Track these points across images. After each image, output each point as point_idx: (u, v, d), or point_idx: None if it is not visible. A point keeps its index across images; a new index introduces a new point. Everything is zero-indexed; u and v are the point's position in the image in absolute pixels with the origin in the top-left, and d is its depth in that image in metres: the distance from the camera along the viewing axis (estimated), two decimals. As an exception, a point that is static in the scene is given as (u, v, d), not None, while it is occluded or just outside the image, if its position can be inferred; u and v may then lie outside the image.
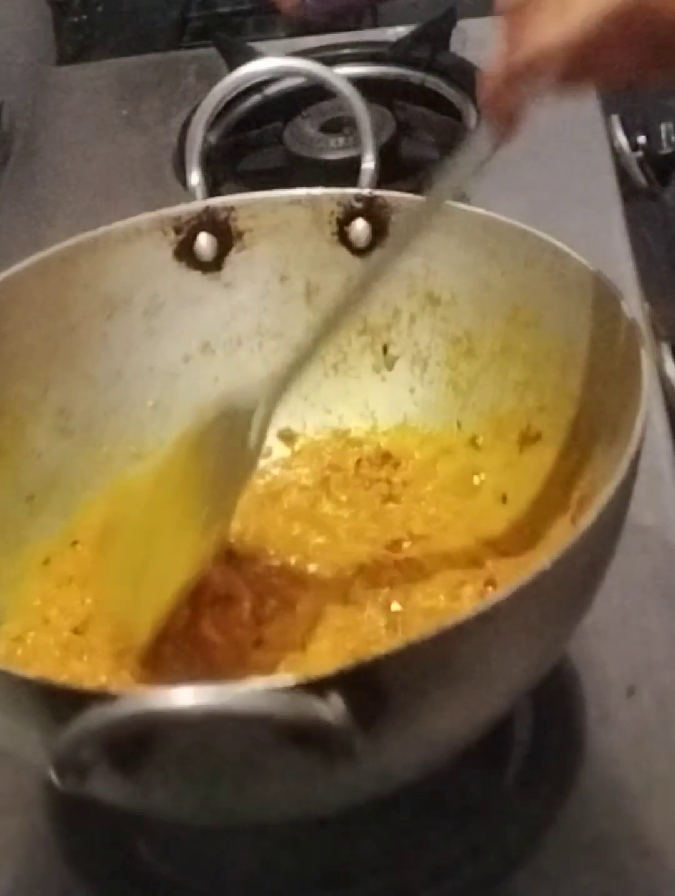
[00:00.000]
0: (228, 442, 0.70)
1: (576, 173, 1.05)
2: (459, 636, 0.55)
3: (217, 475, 0.70)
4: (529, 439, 0.77)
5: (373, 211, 0.79)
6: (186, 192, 0.85)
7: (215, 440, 0.71)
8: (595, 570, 0.64)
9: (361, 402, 0.82)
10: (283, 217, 0.80)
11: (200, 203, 0.81)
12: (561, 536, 0.58)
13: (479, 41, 1.25)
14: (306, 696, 0.52)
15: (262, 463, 0.82)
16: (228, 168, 1.18)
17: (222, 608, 0.71)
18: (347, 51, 1.26)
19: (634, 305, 0.78)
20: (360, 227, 0.80)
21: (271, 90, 1.22)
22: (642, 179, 1.15)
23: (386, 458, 0.80)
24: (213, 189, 0.85)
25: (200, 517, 0.69)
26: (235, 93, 0.86)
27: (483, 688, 0.60)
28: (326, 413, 0.83)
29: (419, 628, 0.59)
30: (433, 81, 1.23)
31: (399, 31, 1.28)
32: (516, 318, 0.76)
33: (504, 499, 0.76)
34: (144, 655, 0.69)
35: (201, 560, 0.69)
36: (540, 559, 0.57)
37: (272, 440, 0.82)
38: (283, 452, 0.82)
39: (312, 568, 0.75)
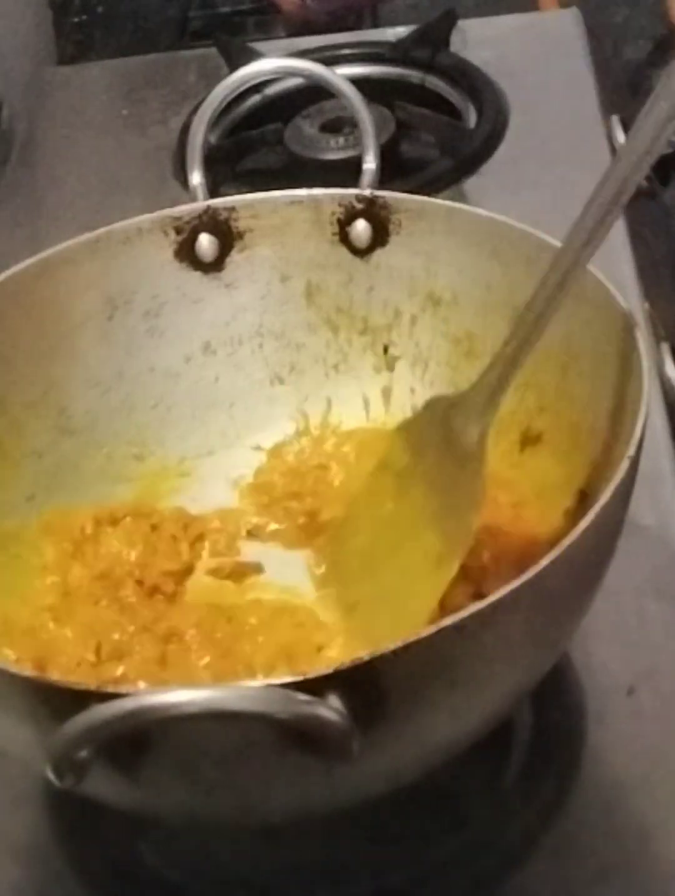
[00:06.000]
0: (446, 436, 0.68)
1: (576, 173, 1.05)
2: (458, 636, 0.55)
3: (441, 473, 0.68)
4: (529, 440, 0.77)
5: (374, 211, 0.79)
6: (187, 193, 0.85)
7: (430, 434, 0.69)
8: (595, 570, 0.64)
9: (361, 403, 0.82)
10: (284, 217, 0.80)
11: (200, 203, 0.81)
12: (561, 537, 0.58)
13: (479, 41, 1.25)
14: (305, 695, 0.52)
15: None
16: (228, 168, 1.18)
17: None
18: (347, 51, 1.26)
19: (634, 305, 0.78)
20: (361, 227, 0.80)
21: (271, 90, 1.22)
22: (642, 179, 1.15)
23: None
24: (213, 189, 0.85)
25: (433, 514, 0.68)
26: (235, 93, 0.86)
27: (483, 688, 0.60)
28: (326, 413, 0.83)
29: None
30: (433, 81, 1.23)
31: (399, 31, 1.28)
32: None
33: (504, 499, 0.76)
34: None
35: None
36: (540, 559, 0.57)
37: (273, 440, 0.82)
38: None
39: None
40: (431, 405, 0.73)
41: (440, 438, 0.69)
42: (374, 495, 0.74)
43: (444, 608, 0.68)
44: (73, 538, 0.77)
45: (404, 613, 0.67)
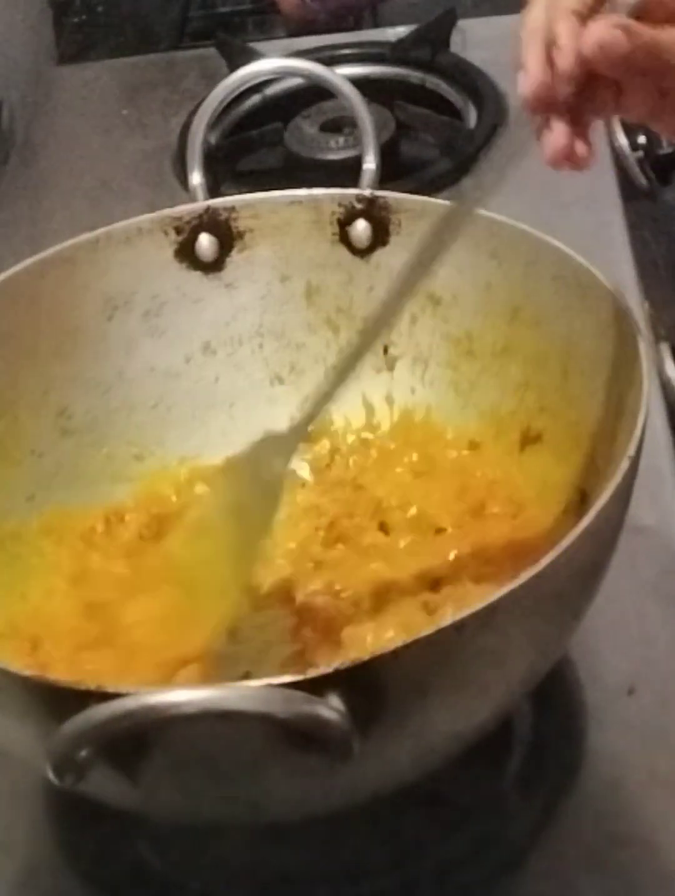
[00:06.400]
0: (258, 471, 0.70)
1: (576, 173, 1.05)
2: (458, 636, 0.55)
3: (250, 504, 0.70)
4: (529, 440, 0.77)
5: (374, 211, 0.79)
6: (187, 193, 0.85)
7: (246, 472, 0.71)
8: (595, 570, 0.64)
9: (361, 403, 0.82)
10: (284, 217, 0.80)
11: (200, 203, 0.81)
12: (561, 537, 0.58)
13: (479, 41, 1.25)
14: (305, 695, 0.52)
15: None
16: (228, 168, 1.18)
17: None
18: (347, 51, 1.26)
19: (634, 305, 0.78)
20: (361, 227, 0.80)
21: (271, 90, 1.22)
22: (642, 179, 1.15)
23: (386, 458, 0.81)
24: (213, 189, 0.85)
25: (241, 543, 0.69)
26: (235, 93, 0.87)
27: (483, 688, 0.60)
28: (326, 413, 0.82)
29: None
30: (433, 81, 1.23)
31: (399, 31, 1.28)
32: (517, 319, 0.76)
33: (505, 499, 0.76)
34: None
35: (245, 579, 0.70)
36: (540, 559, 0.57)
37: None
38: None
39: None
40: (258, 444, 0.74)
41: (252, 473, 0.71)
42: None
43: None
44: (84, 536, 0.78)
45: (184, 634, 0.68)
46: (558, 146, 0.63)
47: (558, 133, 0.63)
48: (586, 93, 0.62)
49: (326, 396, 0.69)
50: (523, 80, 0.62)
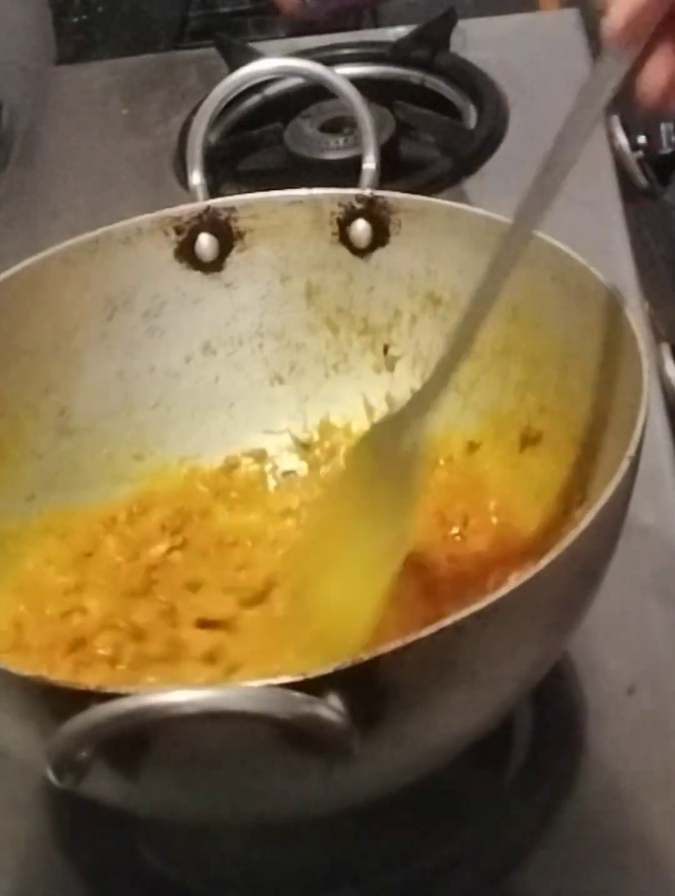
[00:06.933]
0: (387, 451, 0.70)
1: (576, 173, 1.05)
2: (458, 636, 0.55)
3: (384, 485, 0.70)
4: (529, 440, 0.77)
5: (374, 211, 0.79)
6: (187, 193, 0.85)
7: (373, 452, 0.71)
8: (595, 569, 0.64)
9: (361, 403, 0.82)
10: (284, 217, 0.80)
11: (200, 203, 0.81)
12: (561, 537, 0.58)
13: (479, 41, 1.25)
14: (305, 695, 0.52)
15: (265, 466, 0.82)
16: (228, 168, 1.18)
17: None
18: (347, 51, 1.26)
19: (634, 305, 0.78)
20: (361, 227, 0.80)
21: (271, 90, 1.22)
22: (642, 179, 1.15)
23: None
24: (213, 189, 0.85)
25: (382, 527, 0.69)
26: (235, 93, 0.86)
27: (483, 688, 0.60)
28: (326, 413, 0.83)
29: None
30: (433, 81, 1.23)
31: (399, 31, 1.28)
32: (517, 319, 0.76)
33: (505, 499, 0.76)
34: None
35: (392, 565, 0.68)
36: (540, 559, 0.57)
37: (273, 440, 0.82)
38: (284, 453, 0.82)
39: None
40: (373, 429, 0.74)
41: (381, 456, 0.70)
42: (324, 516, 0.74)
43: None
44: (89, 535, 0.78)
45: (348, 619, 0.68)
46: (658, 81, 0.60)
47: (655, 66, 0.60)
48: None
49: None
50: (610, 13, 0.60)
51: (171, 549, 0.78)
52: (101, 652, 0.72)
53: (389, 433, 0.70)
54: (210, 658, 0.71)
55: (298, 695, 0.52)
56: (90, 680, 0.68)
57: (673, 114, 0.62)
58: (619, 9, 0.60)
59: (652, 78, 0.61)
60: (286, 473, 0.82)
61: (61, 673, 0.70)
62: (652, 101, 0.62)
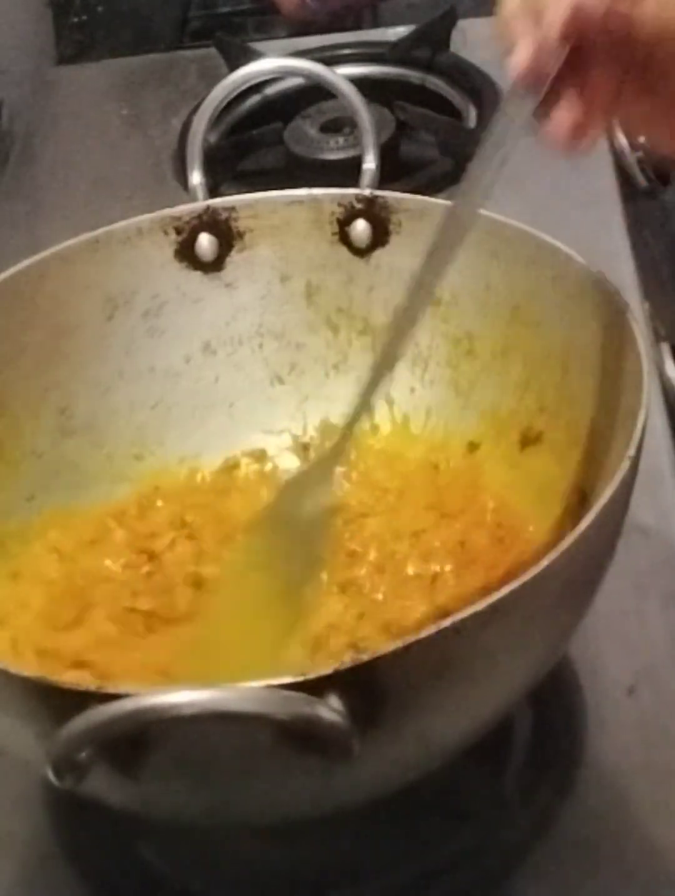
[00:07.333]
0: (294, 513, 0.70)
1: (576, 173, 1.05)
2: (458, 636, 0.55)
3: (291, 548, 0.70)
4: (529, 440, 0.77)
5: (374, 211, 0.79)
6: (187, 193, 0.85)
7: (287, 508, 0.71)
8: (595, 570, 0.64)
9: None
10: (283, 217, 0.80)
11: (200, 203, 0.81)
12: (561, 537, 0.58)
13: (479, 41, 1.25)
14: (305, 695, 0.52)
15: (265, 466, 0.82)
16: (228, 168, 1.18)
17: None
18: (347, 51, 1.26)
19: (634, 305, 0.78)
20: (360, 227, 0.80)
21: (271, 90, 1.22)
22: (642, 179, 1.15)
23: (386, 458, 0.80)
24: (213, 189, 0.85)
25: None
26: (235, 93, 0.86)
27: (483, 688, 0.60)
28: (326, 413, 0.83)
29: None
30: (433, 81, 1.23)
31: (399, 31, 1.28)
32: (517, 319, 0.76)
33: (505, 499, 0.76)
34: None
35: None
36: (540, 559, 0.57)
37: (273, 440, 0.82)
38: (284, 453, 0.82)
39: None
40: (285, 487, 0.74)
41: (290, 515, 0.71)
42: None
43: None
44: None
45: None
46: (562, 127, 0.63)
47: (559, 112, 0.63)
48: (580, 73, 0.63)
49: (347, 427, 0.70)
50: (515, 56, 0.63)
51: (173, 543, 0.78)
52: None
53: (296, 494, 0.71)
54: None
55: (298, 695, 0.52)
56: (92, 671, 0.69)
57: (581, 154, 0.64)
58: (520, 53, 0.63)
59: (556, 124, 0.63)
60: (286, 473, 0.82)
61: (60, 673, 0.70)
62: (560, 144, 0.64)
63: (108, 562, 0.77)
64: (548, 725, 0.74)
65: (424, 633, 0.54)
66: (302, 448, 0.83)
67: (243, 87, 0.87)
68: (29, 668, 0.68)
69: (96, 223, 0.79)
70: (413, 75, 1.24)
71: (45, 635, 0.73)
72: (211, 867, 0.72)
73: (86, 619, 0.74)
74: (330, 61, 1.11)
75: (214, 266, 0.81)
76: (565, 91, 0.63)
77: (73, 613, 0.74)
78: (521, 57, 0.63)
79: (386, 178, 0.84)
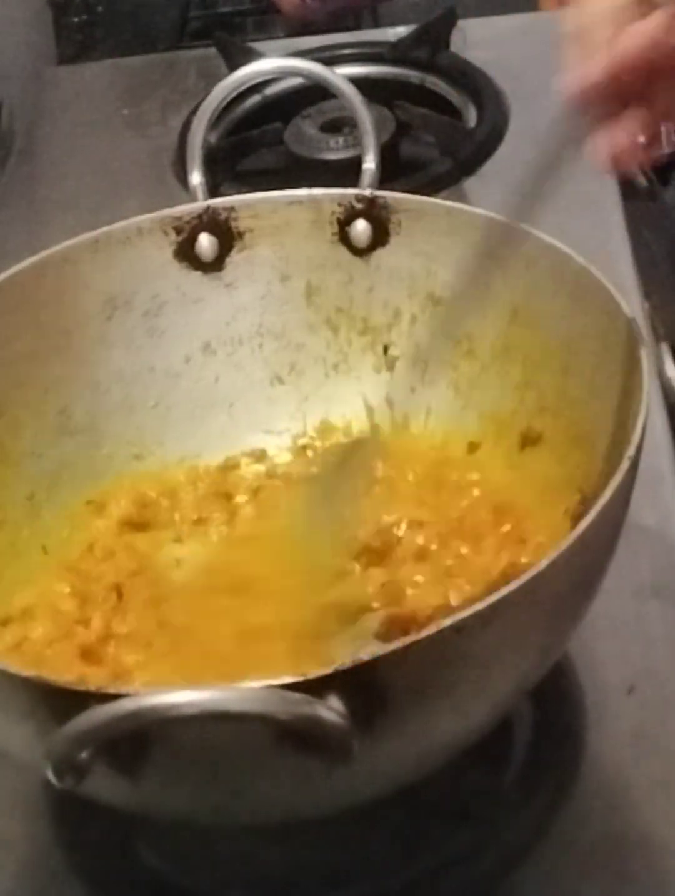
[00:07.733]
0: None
1: (576, 173, 1.05)
2: (458, 636, 0.55)
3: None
4: (529, 440, 0.77)
5: (374, 211, 0.79)
6: (187, 193, 0.85)
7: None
8: (595, 569, 0.64)
9: (361, 403, 0.82)
10: (284, 217, 0.80)
11: (200, 203, 0.81)
12: (561, 536, 0.58)
13: (479, 41, 1.25)
14: (305, 696, 0.52)
15: (263, 466, 0.82)
16: (228, 168, 1.18)
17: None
18: (347, 51, 1.26)
19: (634, 305, 0.78)
20: (361, 227, 0.80)
21: (271, 90, 1.22)
22: (642, 179, 1.15)
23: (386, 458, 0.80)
24: (213, 189, 0.85)
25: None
26: (235, 93, 0.86)
27: (482, 688, 0.60)
28: (326, 413, 0.83)
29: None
30: (433, 81, 1.23)
31: (399, 31, 1.28)
32: (517, 319, 0.76)
33: (505, 499, 0.76)
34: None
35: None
36: (540, 559, 0.57)
37: (273, 440, 0.82)
38: (284, 453, 0.82)
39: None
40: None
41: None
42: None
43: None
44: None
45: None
46: (604, 151, 0.63)
47: (603, 137, 0.63)
48: (636, 94, 0.63)
49: None
50: (579, 74, 0.63)
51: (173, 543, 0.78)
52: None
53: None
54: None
55: (298, 695, 0.52)
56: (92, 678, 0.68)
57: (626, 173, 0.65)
58: (571, 77, 0.63)
59: (600, 147, 0.64)
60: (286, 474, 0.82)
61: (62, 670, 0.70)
62: (602, 166, 0.65)
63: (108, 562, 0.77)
64: (548, 725, 0.74)
65: (424, 633, 0.54)
66: (302, 448, 0.83)
67: (243, 88, 0.87)
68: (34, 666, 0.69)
69: (96, 223, 0.79)
70: (413, 75, 1.24)
71: (51, 635, 0.73)
72: (211, 867, 0.72)
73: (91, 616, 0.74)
74: (330, 61, 1.11)
75: (214, 266, 0.81)
76: (622, 112, 0.63)
77: (76, 613, 0.74)
78: (569, 82, 0.63)
79: (386, 178, 0.84)
